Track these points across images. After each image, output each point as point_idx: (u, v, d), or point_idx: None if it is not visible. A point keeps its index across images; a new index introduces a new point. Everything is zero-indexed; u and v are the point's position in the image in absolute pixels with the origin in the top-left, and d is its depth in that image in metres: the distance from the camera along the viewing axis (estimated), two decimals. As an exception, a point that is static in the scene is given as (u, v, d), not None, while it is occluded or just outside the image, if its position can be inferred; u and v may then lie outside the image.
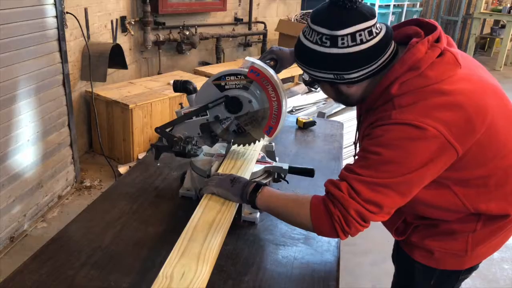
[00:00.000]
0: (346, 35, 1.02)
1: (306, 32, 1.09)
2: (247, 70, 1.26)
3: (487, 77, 1.13)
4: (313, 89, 1.18)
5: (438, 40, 1.07)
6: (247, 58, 1.29)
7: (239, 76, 1.26)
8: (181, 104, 1.42)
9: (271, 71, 1.27)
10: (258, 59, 1.42)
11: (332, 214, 1.06)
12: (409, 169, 1.01)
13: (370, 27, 1.03)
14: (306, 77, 1.15)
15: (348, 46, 1.03)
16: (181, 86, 1.38)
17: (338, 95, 1.16)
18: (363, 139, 1.13)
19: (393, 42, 1.09)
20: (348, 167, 1.09)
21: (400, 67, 1.04)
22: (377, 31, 1.05)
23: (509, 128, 1.09)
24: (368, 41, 1.03)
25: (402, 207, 1.08)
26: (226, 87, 1.28)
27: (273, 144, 1.75)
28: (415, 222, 1.25)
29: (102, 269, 1.14)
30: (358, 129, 1.28)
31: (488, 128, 1.03)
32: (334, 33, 1.02)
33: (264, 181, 1.42)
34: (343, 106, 5.03)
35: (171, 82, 1.52)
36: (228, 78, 1.27)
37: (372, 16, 1.04)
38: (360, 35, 1.02)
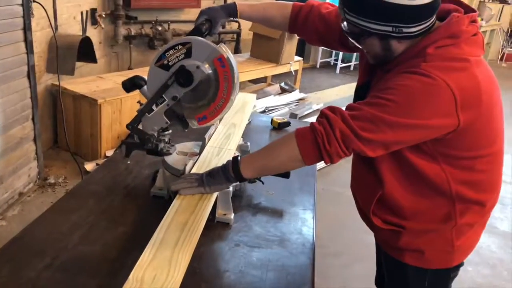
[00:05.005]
0: None
1: None
2: (207, 42, 1.22)
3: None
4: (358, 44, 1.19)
5: (474, 21, 1.13)
6: (221, 45, 1.25)
7: (177, 47, 1.21)
8: (139, 102, 1.35)
9: (236, 70, 1.24)
10: (195, 25, 1.33)
11: (316, 130, 1.10)
12: (413, 115, 1.05)
13: None
14: (346, 28, 1.14)
15: None
16: (130, 84, 1.32)
17: (384, 50, 1.14)
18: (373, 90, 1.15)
19: None
20: (351, 104, 1.13)
21: (444, 31, 1.09)
22: None
23: (501, 120, 1.19)
24: None
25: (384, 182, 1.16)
26: (170, 63, 1.22)
27: (248, 144, 1.73)
28: (390, 221, 1.24)
29: (68, 271, 1.09)
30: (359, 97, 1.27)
31: (489, 109, 1.10)
32: None
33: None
34: (315, 108, 5.07)
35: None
36: (167, 54, 1.22)
37: None
38: None
